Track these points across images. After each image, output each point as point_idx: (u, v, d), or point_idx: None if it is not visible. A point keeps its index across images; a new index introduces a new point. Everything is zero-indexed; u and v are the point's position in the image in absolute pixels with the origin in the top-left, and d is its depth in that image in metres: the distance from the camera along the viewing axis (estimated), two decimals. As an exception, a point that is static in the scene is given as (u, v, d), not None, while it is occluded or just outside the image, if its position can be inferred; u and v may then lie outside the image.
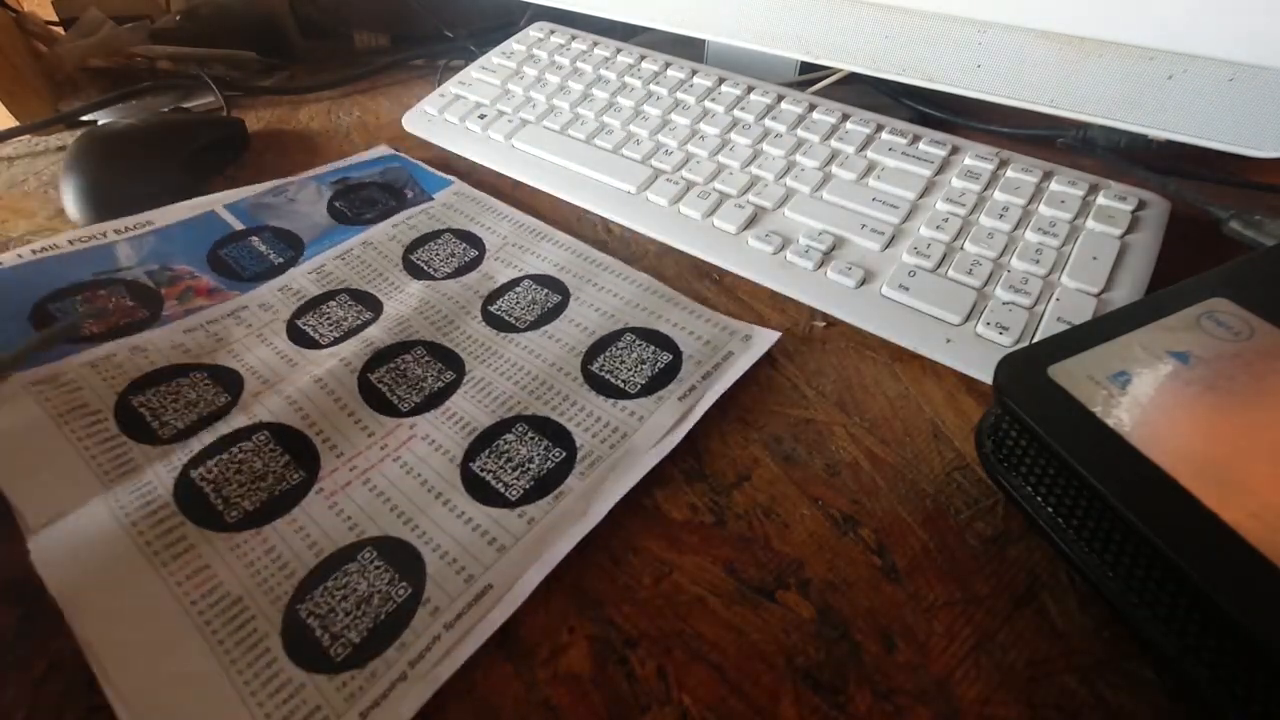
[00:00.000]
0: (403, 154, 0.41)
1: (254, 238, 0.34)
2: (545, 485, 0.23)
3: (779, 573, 0.21)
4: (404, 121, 0.43)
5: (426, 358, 0.28)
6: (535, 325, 0.30)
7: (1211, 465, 0.18)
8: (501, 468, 0.24)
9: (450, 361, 0.28)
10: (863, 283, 0.30)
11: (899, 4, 0.33)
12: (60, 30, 0.51)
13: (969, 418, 0.26)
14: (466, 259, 0.33)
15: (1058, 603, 0.21)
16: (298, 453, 0.24)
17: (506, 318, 0.30)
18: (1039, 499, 0.21)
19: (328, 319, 0.30)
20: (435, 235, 0.35)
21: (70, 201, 0.36)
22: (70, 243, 0.32)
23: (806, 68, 0.45)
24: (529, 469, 0.24)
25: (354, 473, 0.24)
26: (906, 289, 0.29)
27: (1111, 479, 0.18)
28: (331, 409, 0.26)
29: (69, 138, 0.44)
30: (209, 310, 0.30)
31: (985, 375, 0.26)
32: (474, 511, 0.23)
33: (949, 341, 0.27)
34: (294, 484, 0.24)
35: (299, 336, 0.29)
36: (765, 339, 0.29)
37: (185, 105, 0.46)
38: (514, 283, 0.32)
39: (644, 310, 0.30)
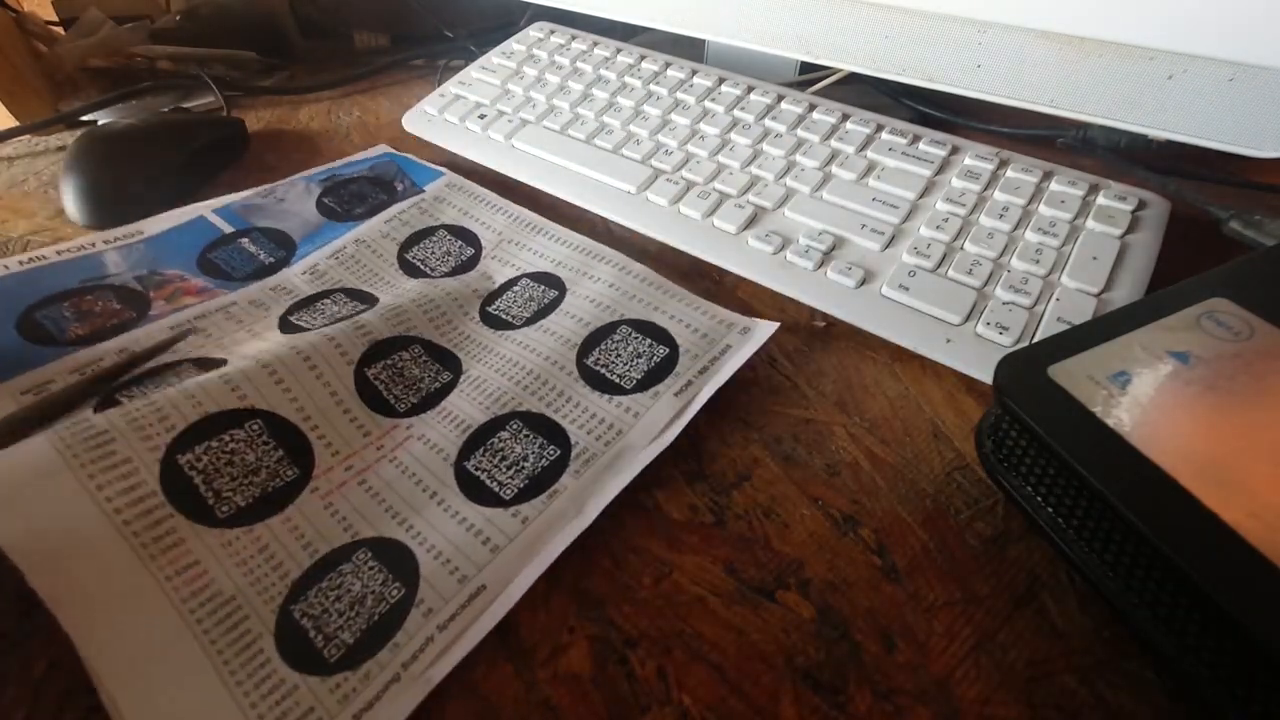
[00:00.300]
0: (395, 150, 0.41)
1: (244, 239, 0.34)
2: (539, 484, 0.23)
3: (779, 573, 0.21)
4: (404, 121, 0.43)
5: (424, 358, 0.28)
6: (531, 320, 0.30)
7: (1211, 465, 0.18)
8: (496, 466, 0.24)
9: (447, 361, 0.28)
10: (863, 283, 0.30)
11: (899, 4, 0.33)
12: (60, 30, 0.51)
13: (969, 418, 0.26)
14: (464, 258, 0.33)
15: (1058, 603, 0.21)
16: (291, 448, 0.24)
17: (504, 316, 0.30)
18: (1039, 499, 0.21)
19: (322, 314, 0.30)
20: (430, 232, 0.35)
21: (70, 201, 0.36)
22: (58, 254, 0.31)
23: (806, 68, 0.45)
24: (523, 467, 0.24)
25: (350, 473, 0.24)
26: (906, 289, 0.29)
27: (1111, 479, 0.18)
28: (328, 404, 0.26)
29: (69, 138, 0.44)
30: (198, 307, 0.30)
31: (985, 375, 0.26)
32: (468, 511, 0.23)
33: (949, 341, 0.27)
34: (288, 480, 0.23)
35: (291, 330, 0.28)
36: (763, 331, 0.28)
37: (185, 105, 0.46)
38: (512, 283, 0.32)
39: (640, 301, 0.30)
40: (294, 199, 0.37)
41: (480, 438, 0.25)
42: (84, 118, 0.45)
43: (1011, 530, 0.22)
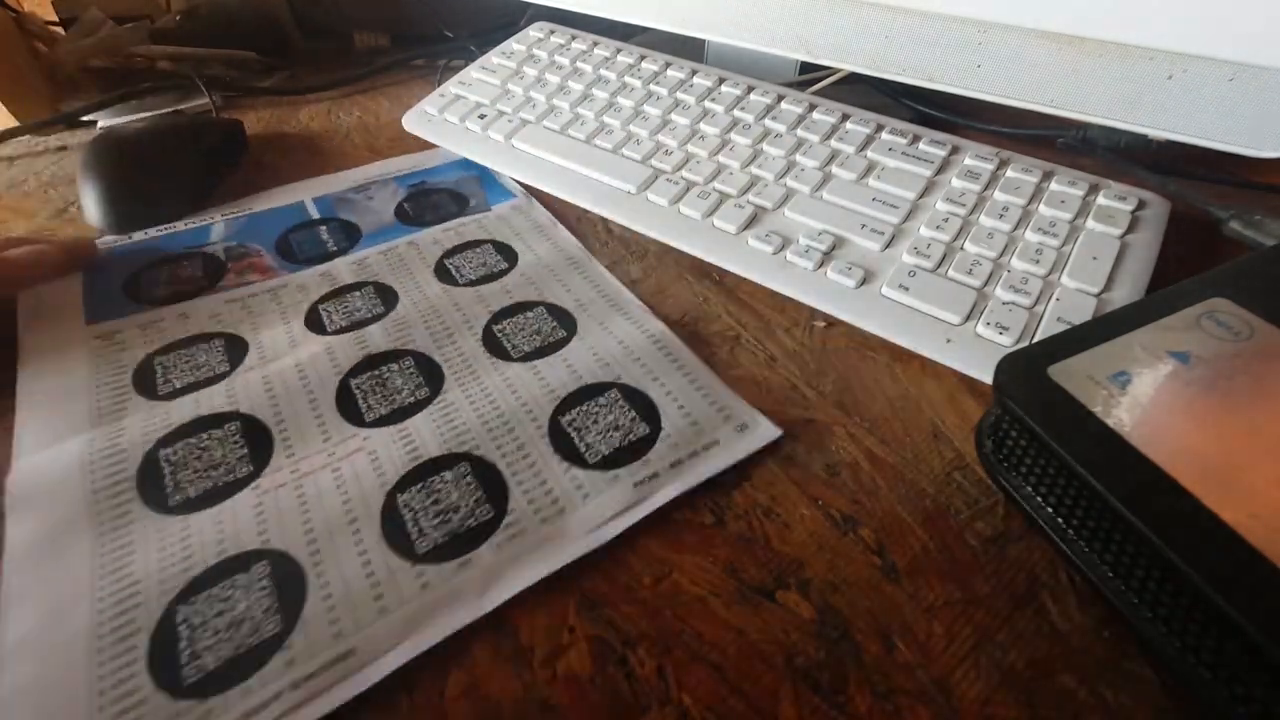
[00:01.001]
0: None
1: (322, 227, 0.36)
2: (456, 547, 0.22)
3: (779, 573, 0.21)
4: (404, 121, 0.43)
5: (411, 369, 0.28)
6: (529, 357, 0.28)
7: (1211, 465, 0.18)
8: (424, 508, 0.23)
9: (432, 376, 0.27)
10: (863, 283, 0.30)
11: (899, 4, 0.33)
12: (60, 30, 0.51)
13: (969, 418, 0.26)
14: (494, 270, 0.33)
15: (1058, 603, 0.21)
16: (256, 444, 0.25)
17: (505, 343, 0.29)
18: (1039, 499, 0.21)
19: (345, 307, 0.31)
20: (476, 244, 0.35)
21: (91, 205, 0.35)
22: (185, 224, 0.36)
23: (806, 68, 0.45)
24: (449, 520, 0.22)
25: (294, 475, 0.24)
26: (906, 289, 0.29)
27: (1111, 479, 0.18)
28: (304, 408, 0.26)
29: (69, 138, 0.44)
30: (254, 285, 0.32)
31: (985, 375, 0.26)
32: (376, 554, 0.21)
33: (949, 341, 0.27)
34: (240, 476, 0.24)
35: (314, 320, 0.30)
36: (762, 433, 0.25)
37: (185, 106, 0.46)
38: (527, 305, 0.31)
39: (642, 365, 0.28)
40: (381, 199, 0.39)
41: (423, 472, 0.24)
42: (84, 118, 0.45)
43: (1011, 530, 0.22)
